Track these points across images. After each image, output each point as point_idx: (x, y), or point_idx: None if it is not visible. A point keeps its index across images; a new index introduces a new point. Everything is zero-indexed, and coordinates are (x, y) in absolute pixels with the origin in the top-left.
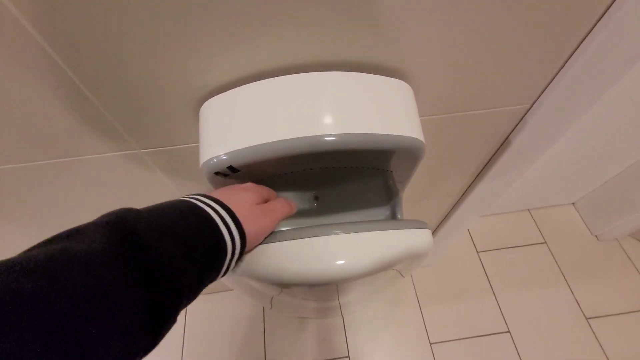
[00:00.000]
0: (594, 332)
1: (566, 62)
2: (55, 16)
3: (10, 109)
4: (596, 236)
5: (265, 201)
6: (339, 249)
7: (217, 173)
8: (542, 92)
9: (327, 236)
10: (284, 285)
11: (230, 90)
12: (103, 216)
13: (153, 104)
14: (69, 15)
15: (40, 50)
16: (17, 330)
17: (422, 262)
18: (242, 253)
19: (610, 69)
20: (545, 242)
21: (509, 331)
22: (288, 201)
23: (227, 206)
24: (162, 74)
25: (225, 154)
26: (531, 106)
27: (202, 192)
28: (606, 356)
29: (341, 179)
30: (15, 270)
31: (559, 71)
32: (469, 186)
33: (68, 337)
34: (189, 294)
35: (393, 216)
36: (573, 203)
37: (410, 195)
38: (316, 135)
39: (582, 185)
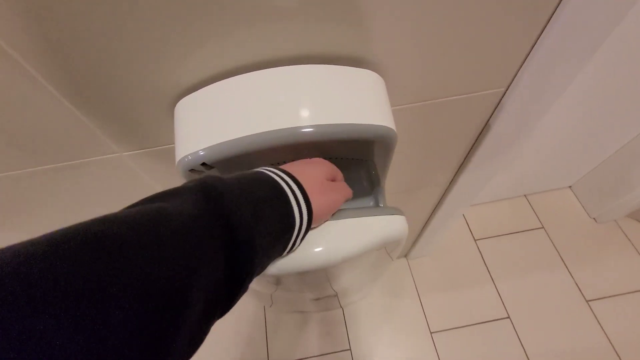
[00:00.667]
0: (594, 315)
1: (536, 40)
2: (24, 24)
3: None
4: (594, 218)
5: (333, 178)
6: (316, 236)
7: (192, 170)
8: (516, 74)
9: None
10: (272, 275)
11: (202, 89)
12: (192, 181)
13: (129, 106)
14: (38, 22)
15: (10, 60)
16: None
17: (401, 246)
18: (308, 229)
19: (583, 44)
20: (542, 227)
21: (509, 317)
22: (348, 186)
23: (299, 180)
24: (135, 76)
25: (201, 150)
26: (507, 89)
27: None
28: (608, 338)
29: None
30: (116, 220)
31: (530, 51)
32: (456, 173)
33: (161, 291)
34: (261, 264)
35: (376, 205)
36: (570, 186)
37: (398, 186)
38: (287, 128)
39: (578, 168)
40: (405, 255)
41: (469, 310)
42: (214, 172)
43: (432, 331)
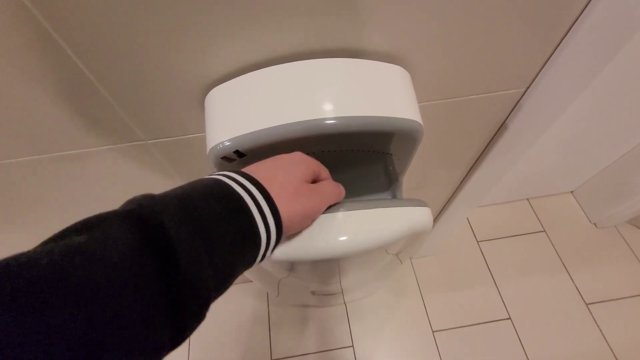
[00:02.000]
0: (593, 318)
1: (559, 44)
2: (64, 6)
3: (19, 101)
4: (595, 224)
5: (316, 178)
6: (341, 225)
7: (224, 158)
8: (536, 76)
9: (329, 214)
10: (292, 261)
11: (233, 79)
12: (126, 204)
13: (159, 94)
14: (78, 5)
15: (51, 43)
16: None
17: (422, 241)
18: (278, 240)
19: (601, 51)
20: (544, 231)
21: (510, 318)
22: (338, 185)
23: (264, 187)
24: (168, 65)
25: (229, 140)
26: (526, 90)
27: (241, 169)
28: (606, 340)
29: (343, 165)
30: (26, 266)
31: (552, 53)
32: (468, 173)
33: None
34: (218, 288)
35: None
36: (572, 192)
37: (410, 183)
38: (317, 119)
39: (580, 174)
40: (409, 255)
41: (471, 310)
42: (246, 160)
43: (434, 330)
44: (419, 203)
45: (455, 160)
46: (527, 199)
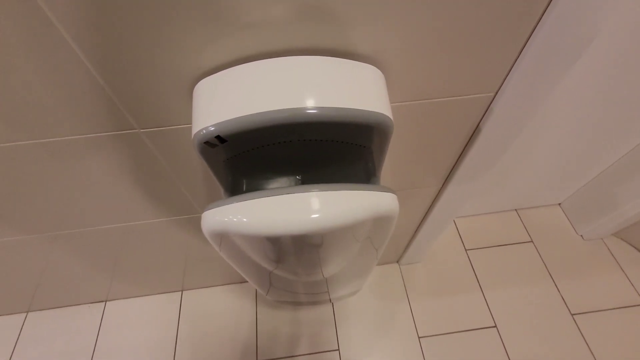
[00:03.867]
0: (579, 328)
1: (521, 51)
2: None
3: (11, 84)
4: (581, 235)
5: None
6: (313, 203)
7: (206, 143)
8: (504, 80)
9: (304, 193)
10: (268, 237)
11: (219, 72)
12: None
13: (153, 84)
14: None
15: (50, 29)
16: None
17: (391, 227)
18: None
19: (562, 56)
20: (531, 241)
21: (495, 326)
22: None
23: None
24: (162, 56)
25: (213, 125)
26: (495, 94)
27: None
28: (590, 350)
29: (323, 162)
30: None
31: (516, 59)
32: (447, 177)
33: None
34: None
35: None
36: (559, 204)
37: (393, 187)
38: (294, 108)
39: (568, 186)
40: (397, 261)
41: (457, 317)
42: (227, 146)
43: (420, 336)
44: (386, 189)
45: (436, 162)
46: (516, 210)
